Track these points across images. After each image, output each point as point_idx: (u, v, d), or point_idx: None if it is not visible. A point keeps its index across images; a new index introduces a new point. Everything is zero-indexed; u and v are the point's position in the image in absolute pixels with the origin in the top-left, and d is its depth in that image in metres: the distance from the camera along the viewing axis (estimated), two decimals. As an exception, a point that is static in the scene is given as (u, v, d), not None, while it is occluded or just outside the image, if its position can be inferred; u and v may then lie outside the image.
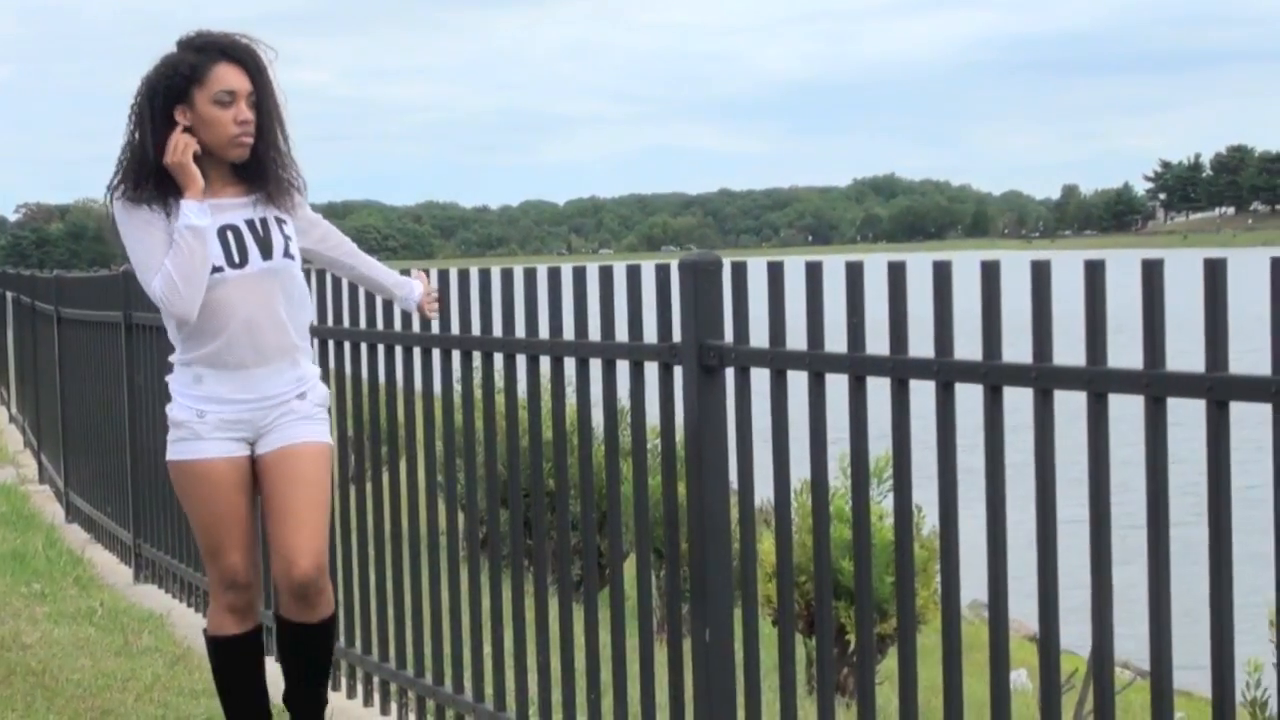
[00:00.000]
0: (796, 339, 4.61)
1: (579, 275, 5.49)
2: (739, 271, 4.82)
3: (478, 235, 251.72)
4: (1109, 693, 3.84)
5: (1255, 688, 5.33)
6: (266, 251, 5.33)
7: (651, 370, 5.23)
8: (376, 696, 6.91)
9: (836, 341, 4.47)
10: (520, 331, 5.81)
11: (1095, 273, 3.77)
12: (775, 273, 4.65)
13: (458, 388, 6.22)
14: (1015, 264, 4.12)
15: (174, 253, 5.18)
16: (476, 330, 6.03)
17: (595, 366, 5.47)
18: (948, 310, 4.16)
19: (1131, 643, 3.68)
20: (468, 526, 6.30)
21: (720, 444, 4.93)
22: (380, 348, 6.70)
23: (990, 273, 3.99)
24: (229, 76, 5.23)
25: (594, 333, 5.47)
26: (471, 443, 6.18)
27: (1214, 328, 3.54)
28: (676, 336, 5.00)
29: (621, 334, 5.30)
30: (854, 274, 4.36)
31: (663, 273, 5.07)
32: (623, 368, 5.36)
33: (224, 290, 5.26)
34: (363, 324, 6.77)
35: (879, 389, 4.37)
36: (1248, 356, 3.81)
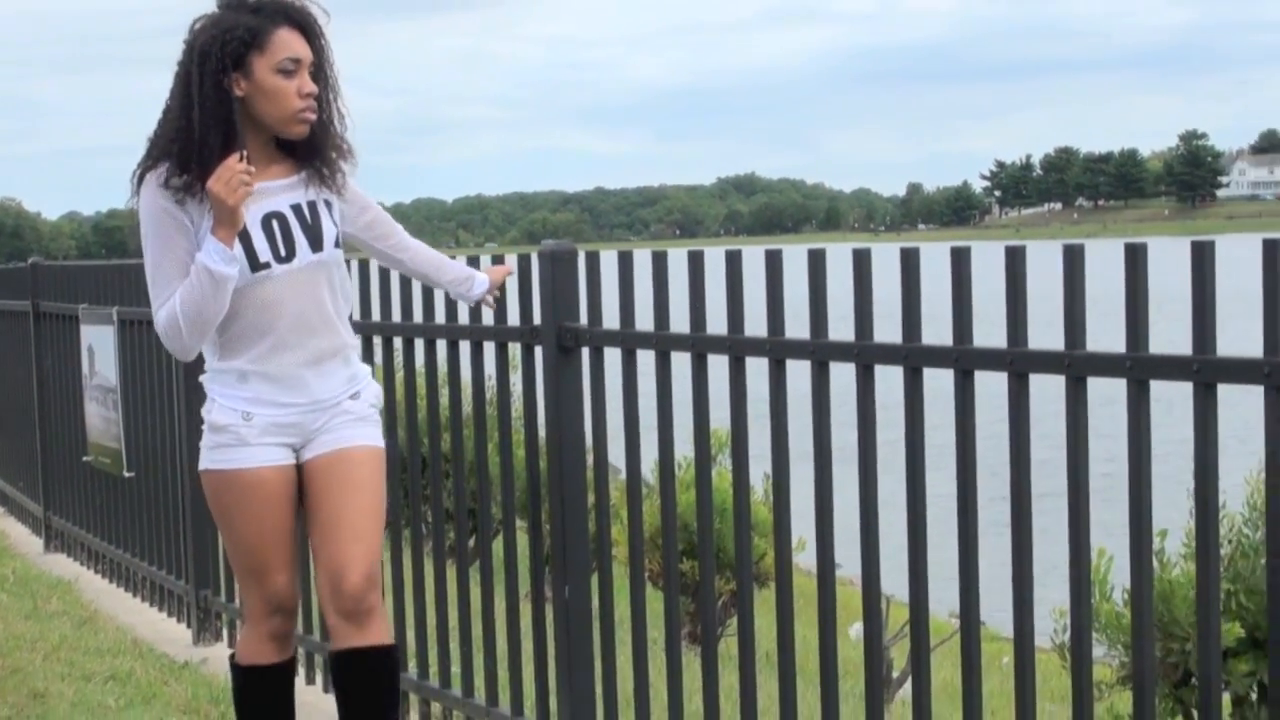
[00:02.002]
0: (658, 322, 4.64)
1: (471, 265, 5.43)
2: (593, 260, 4.84)
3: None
4: (924, 639, 3.91)
5: (1063, 632, 5.41)
6: (316, 242, 4.41)
7: (516, 351, 5.25)
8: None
9: (683, 323, 4.51)
10: (396, 316, 5.79)
11: (910, 259, 3.82)
12: (625, 261, 4.67)
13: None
14: (844, 255, 4.16)
15: (185, 291, 4.23)
16: (357, 316, 5.99)
17: (464, 348, 5.48)
18: (779, 294, 4.20)
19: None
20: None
21: (577, 418, 4.95)
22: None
23: (816, 261, 4.04)
24: (293, 42, 4.28)
25: (463, 317, 5.45)
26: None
27: (1015, 309, 3.61)
28: (537, 320, 5.01)
29: (488, 318, 5.30)
30: (695, 263, 4.39)
31: (524, 261, 5.08)
32: (489, 349, 5.37)
33: (270, 288, 4.33)
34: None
35: (722, 366, 4.41)
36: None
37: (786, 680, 4.25)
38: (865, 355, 3.96)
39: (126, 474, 7.91)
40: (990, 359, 3.66)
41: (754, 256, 4.25)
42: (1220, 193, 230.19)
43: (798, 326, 4.15)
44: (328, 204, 4.47)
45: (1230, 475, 4.24)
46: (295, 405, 4.43)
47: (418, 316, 5.67)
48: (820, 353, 4.08)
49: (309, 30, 4.33)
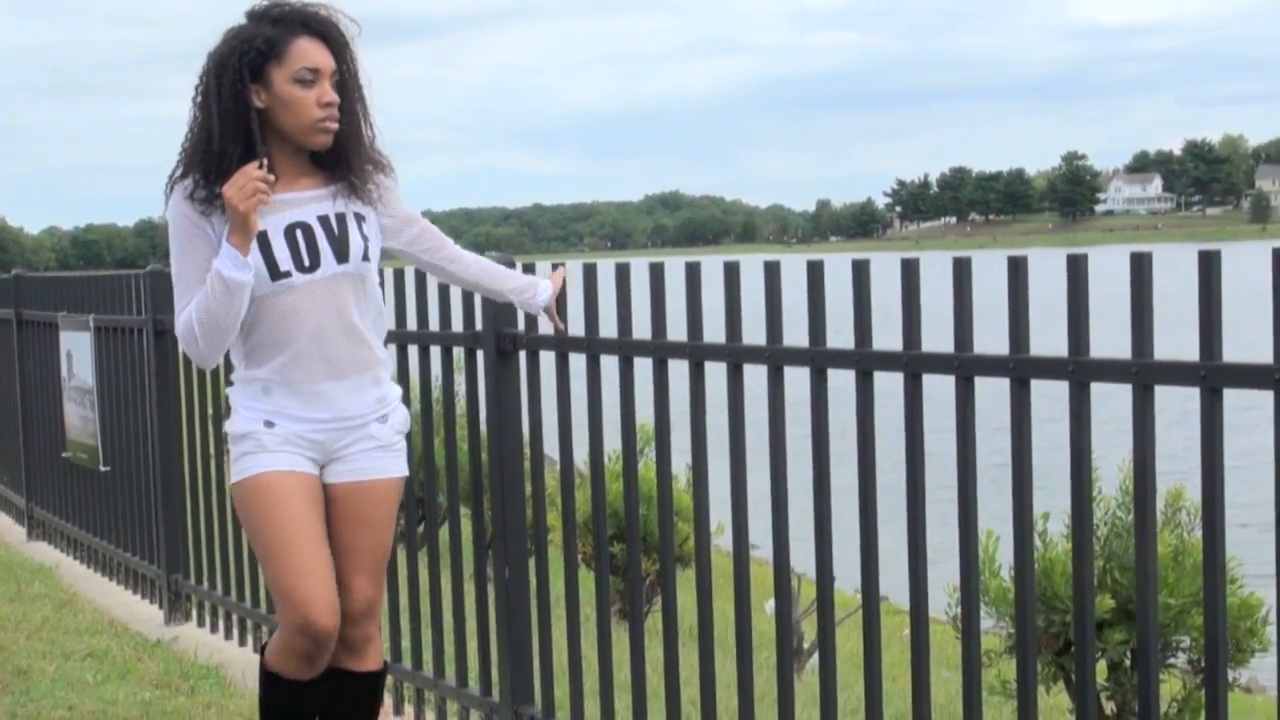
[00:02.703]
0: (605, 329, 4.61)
1: (397, 275, 5.42)
2: (530, 271, 4.83)
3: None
4: (830, 613, 3.93)
5: (956, 606, 5.46)
6: (342, 253, 3.92)
7: (460, 354, 5.24)
8: (223, 625, 6.86)
9: (611, 330, 4.51)
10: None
11: (815, 271, 3.85)
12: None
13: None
14: (756, 265, 4.17)
15: (200, 298, 3.83)
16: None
17: (413, 352, 5.46)
18: (698, 303, 4.20)
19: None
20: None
21: (515, 415, 4.95)
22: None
23: (731, 273, 4.05)
24: (311, 52, 3.84)
25: (411, 323, 5.43)
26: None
27: (910, 315, 3.64)
28: (479, 325, 5.01)
29: (434, 324, 5.29)
30: (622, 274, 4.40)
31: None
32: (435, 353, 5.35)
33: (291, 297, 3.87)
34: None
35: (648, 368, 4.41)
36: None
37: (706, 652, 4.27)
38: (776, 358, 3.98)
39: (103, 468, 7.87)
40: (888, 361, 3.69)
41: (677, 267, 4.27)
42: (1098, 208, 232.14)
43: (716, 332, 4.16)
44: (359, 217, 3.98)
45: (1107, 463, 4.29)
46: (319, 421, 3.94)
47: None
48: (735, 356, 4.10)
49: (332, 40, 3.89)
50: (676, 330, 4.29)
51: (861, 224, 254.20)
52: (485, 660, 5.16)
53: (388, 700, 5.71)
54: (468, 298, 5.03)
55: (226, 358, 4.10)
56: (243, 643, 6.78)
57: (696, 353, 4.22)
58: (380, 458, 4.02)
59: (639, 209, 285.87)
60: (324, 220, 3.92)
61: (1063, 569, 5.42)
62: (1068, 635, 5.48)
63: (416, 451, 5.63)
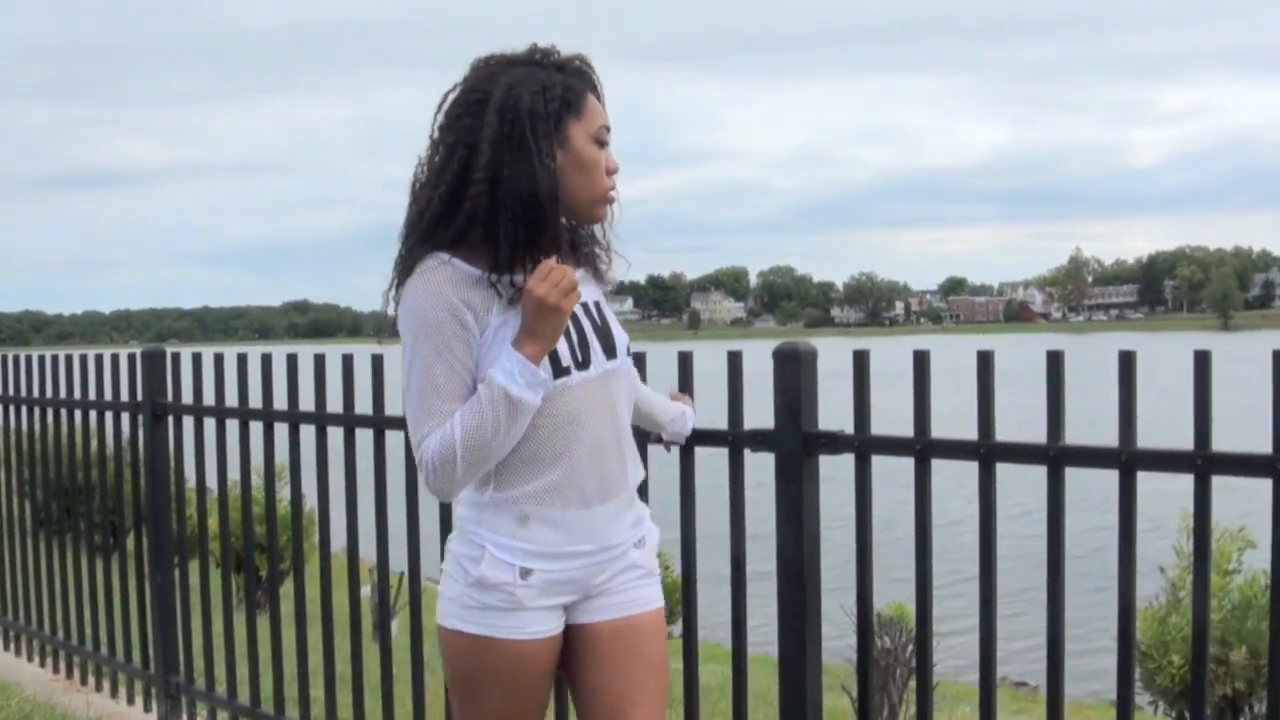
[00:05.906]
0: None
1: (99, 358, 4.86)
2: (186, 356, 4.47)
3: (55, 331, 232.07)
4: (387, 592, 3.75)
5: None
6: (609, 347, 2.24)
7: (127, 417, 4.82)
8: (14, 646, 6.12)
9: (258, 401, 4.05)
10: (49, 392, 5.24)
11: (378, 362, 3.60)
12: (197, 357, 4.34)
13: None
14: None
15: (470, 418, 2.06)
16: (25, 392, 5.42)
17: (114, 417, 5.00)
18: (323, 382, 3.76)
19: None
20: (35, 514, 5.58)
21: (165, 461, 4.54)
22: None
23: (346, 361, 3.66)
24: (599, 109, 2.18)
25: (92, 393, 4.95)
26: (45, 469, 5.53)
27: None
28: (139, 396, 4.61)
29: (109, 395, 4.87)
30: (265, 361, 4.00)
31: (131, 359, 4.69)
32: (109, 416, 4.89)
33: (569, 400, 2.16)
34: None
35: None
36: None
37: (300, 631, 3.94)
38: (350, 421, 3.69)
39: None
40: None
41: (307, 356, 3.84)
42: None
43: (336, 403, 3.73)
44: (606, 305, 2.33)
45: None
46: (582, 556, 2.21)
47: (61, 394, 5.13)
48: (350, 422, 3.69)
49: (601, 97, 2.22)
50: (307, 402, 3.82)
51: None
52: (144, 642, 4.76)
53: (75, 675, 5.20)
54: (132, 373, 4.63)
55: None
56: (19, 655, 5.71)
57: (322, 420, 3.77)
58: (646, 586, 2.32)
59: (279, 311, 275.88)
60: (585, 308, 2.25)
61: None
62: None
63: (110, 488, 5.13)
